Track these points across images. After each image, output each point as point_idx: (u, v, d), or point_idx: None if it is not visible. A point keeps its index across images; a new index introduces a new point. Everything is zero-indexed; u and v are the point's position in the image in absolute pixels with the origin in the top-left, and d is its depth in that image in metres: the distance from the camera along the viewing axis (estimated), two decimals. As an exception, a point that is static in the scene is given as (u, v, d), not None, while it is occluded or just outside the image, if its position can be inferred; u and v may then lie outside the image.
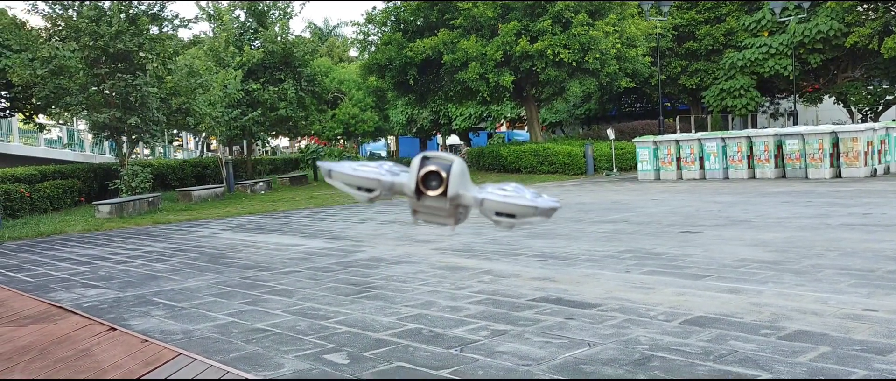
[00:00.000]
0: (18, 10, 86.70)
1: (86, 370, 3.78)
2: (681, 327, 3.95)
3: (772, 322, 3.93)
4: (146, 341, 4.28)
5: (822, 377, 3.06)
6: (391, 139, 45.84)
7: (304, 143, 38.64)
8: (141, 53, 16.02)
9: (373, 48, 24.17)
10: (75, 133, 32.10)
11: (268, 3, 23.99)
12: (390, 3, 24.12)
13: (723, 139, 16.42)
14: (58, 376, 3.72)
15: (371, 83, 29.23)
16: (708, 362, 3.33)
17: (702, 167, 16.70)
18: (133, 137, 16.88)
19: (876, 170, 14.90)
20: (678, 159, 17.17)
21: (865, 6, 24.89)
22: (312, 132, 29.16)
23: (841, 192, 11.55)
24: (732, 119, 31.57)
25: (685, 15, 28.07)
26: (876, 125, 15.24)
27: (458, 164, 1.16)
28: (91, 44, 15.44)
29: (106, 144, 28.22)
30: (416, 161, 1.17)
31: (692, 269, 5.62)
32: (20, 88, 17.25)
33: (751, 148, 15.94)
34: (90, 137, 24.29)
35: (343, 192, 1.23)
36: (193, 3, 23.18)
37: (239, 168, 24.47)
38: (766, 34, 26.86)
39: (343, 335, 4.19)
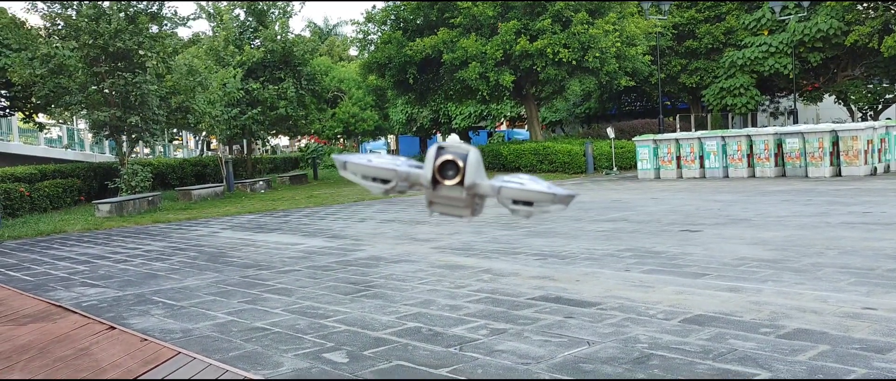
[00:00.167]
0: (18, 10, 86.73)
1: (85, 368, 3.78)
2: (680, 325, 3.95)
3: (771, 321, 3.93)
4: (145, 340, 4.28)
5: (822, 376, 3.06)
6: (391, 138, 45.83)
7: (304, 142, 38.66)
8: (141, 52, 16.01)
9: (372, 47, 24.16)
10: (75, 132, 32.09)
11: (267, 2, 23.98)
12: (390, 2, 24.10)
13: (723, 138, 16.42)
14: (57, 375, 3.72)
15: (371, 82, 29.20)
16: (707, 360, 3.33)
17: (702, 166, 16.70)
18: (133, 136, 16.88)
19: (876, 168, 14.89)
20: (678, 158, 17.16)
21: (865, 5, 24.88)
22: (312, 131, 29.16)
23: (841, 190, 11.55)
24: (732, 118, 31.55)
25: (685, 13, 28.06)
26: (876, 124, 15.24)
27: (474, 153, 1.15)
28: (90, 42, 15.43)
29: (106, 143, 28.23)
30: (432, 151, 1.16)
31: (692, 268, 5.61)
32: (20, 87, 17.24)
33: (751, 147, 15.93)
34: (90, 136, 24.27)
35: (357, 185, 1.23)
36: (193, 1, 23.15)
37: (239, 167, 24.47)
38: (765, 33, 26.85)
39: (342, 333, 4.19)
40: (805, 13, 25.11)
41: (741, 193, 12.16)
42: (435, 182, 1.15)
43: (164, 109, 17.04)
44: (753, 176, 15.78)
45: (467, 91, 23.46)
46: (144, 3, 16.64)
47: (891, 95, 26.84)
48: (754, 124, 31.12)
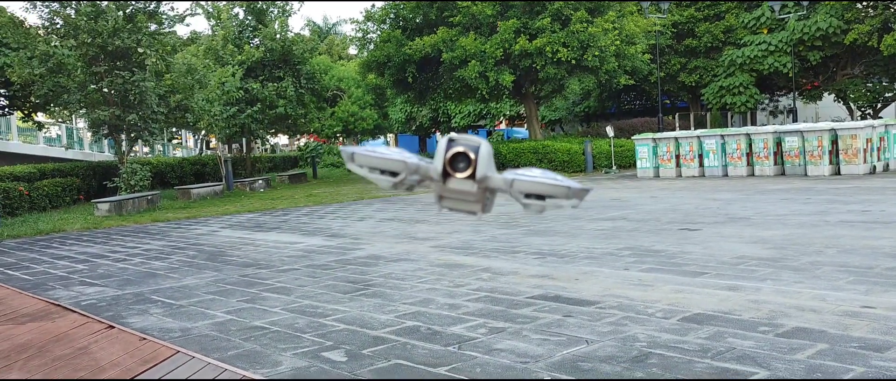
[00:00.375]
0: (16, 9, 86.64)
1: (84, 368, 3.78)
2: (679, 324, 3.95)
3: (770, 319, 3.93)
4: (144, 339, 4.28)
5: (820, 374, 3.06)
6: (390, 137, 45.83)
7: (303, 141, 38.63)
8: (140, 50, 16.01)
9: (372, 46, 24.15)
10: (74, 131, 32.07)
11: (267, 1, 23.97)
12: (389, 1, 24.09)
13: (722, 136, 16.42)
14: (56, 374, 3.72)
15: (370, 81, 29.21)
16: (706, 359, 3.33)
17: (701, 165, 16.70)
18: (132, 134, 16.87)
19: (875, 167, 14.90)
20: (677, 157, 17.17)
21: (864, 3, 24.88)
22: (312, 130, 29.15)
23: (840, 189, 11.55)
24: (732, 116, 31.57)
25: (684, 12, 28.06)
26: (875, 122, 15.24)
27: (485, 146, 1.12)
28: (89, 41, 15.42)
29: (105, 142, 28.23)
30: (442, 143, 1.13)
31: (691, 266, 5.62)
32: (19, 85, 17.24)
33: (750, 145, 15.94)
34: (89, 135, 24.27)
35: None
36: (191, 1, 23.14)
37: (238, 166, 24.47)
38: (765, 31, 26.85)
39: (341, 332, 4.19)
40: (804, 12, 25.11)
41: (740, 191, 12.16)
42: (445, 175, 1.12)
43: (164, 108, 17.04)
44: (752, 175, 15.78)
45: (466, 90, 23.46)
46: (143, 2, 16.64)
47: (890, 94, 26.85)
48: (753, 123, 31.14)
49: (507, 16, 21.69)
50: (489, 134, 40.71)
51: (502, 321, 4.24)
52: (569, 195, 1.10)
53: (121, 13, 15.87)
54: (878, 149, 15.06)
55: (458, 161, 1.12)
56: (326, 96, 28.16)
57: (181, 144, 49.00)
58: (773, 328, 3.75)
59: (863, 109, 27.70)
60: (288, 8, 24.37)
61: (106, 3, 15.95)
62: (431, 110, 34.92)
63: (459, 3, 21.53)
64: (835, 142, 14.82)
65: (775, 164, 15.59)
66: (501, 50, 21.09)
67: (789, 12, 25.44)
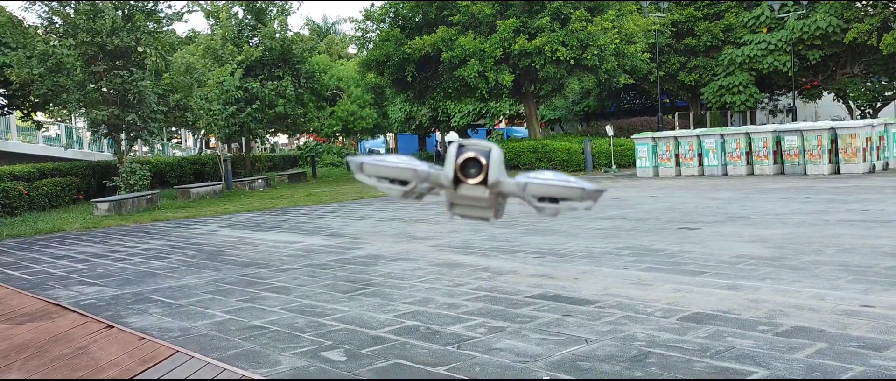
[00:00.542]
0: (15, 8, 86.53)
1: (83, 367, 3.78)
2: (678, 323, 3.95)
3: (769, 319, 3.93)
4: (143, 338, 4.28)
5: (819, 373, 3.06)
6: (390, 136, 45.81)
7: (302, 140, 38.62)
8: (140, 48, 16.01)
9: (371, 45, 24.14)
10: (73, 131, 32.06)
11: (266, 0, 23.95)
12: (389, 0, 24.08)
13: (721, 136, 16.42)
14: (55, 374, 3.71)
15: (369, 80, 29.18)
16: (705, 358, 3.33)
17: (700, 164, 16.70)
18: (131, 134, 16.86)
19: (874, 166, 14.90)
20: (677, 156, 17.17)
21: (864, 2, 24.88)
22: (311, 129, 29.13)
23: (839, 188, 11.55)
24: (731, 115, 31.56)
25: (684, 11, 28.04)
26: (874, 121, 15.24)
27: (496, 151, 1.10)
28: (88, 40, 15.41)
29: (104, 141, 28.21)
30: (452, 149, 1.11)
31: (690, 265, 5.62)
32: (18, 85, 17.23)
33: (749, 144, 15.94)
34: (88, 134, 24.26)
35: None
36: (190, 0, 23.16)
37: (237, 165, 24.46)
38: (764, 30, 26.84)
39: (340, 332, 4.19)
40: (804, 11, 25.11)
41: (740, 190, 12.16)
42: (457, 181, 1.10)
43: (163, 107, 17.03)
44: (752, 174, 15.78)
45: (466, 89, 23.45)
46: (141, 1, 16.63)
47: (889, 93, 26.85)
48: (753, 122, 31.13)
49: (506, 15, 21.69)
50: (489, 133, 40.70)
51: (501, 320, 4.24)
52: (583, 197, 1.08)
53: (119, 12, 15.86)
54: (878, 148, 15.06)
55: (469, 167, 1.10)
56: (326, 95, 28.15)
57: (180, 143, 48.92)
58: (772, 328, 3.75)
59: (862, 108, 27.69)
60: (287, 7, 24.36)
61: (103, 2, 15.95)
62: (431, 110, 34.90)
63: (459, 2, 21.52)
64: (834, 141, 14.82)
65: (775, 163, 15.59)
66: (501, 49, 21.09)
67: (789, 11, 25.43)
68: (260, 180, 20.75)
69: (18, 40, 15.61)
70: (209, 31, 24.36)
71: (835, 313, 3.96)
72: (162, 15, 17.05)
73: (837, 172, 14.72)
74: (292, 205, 14.80)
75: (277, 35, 23.21)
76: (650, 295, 4.67)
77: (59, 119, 29.19)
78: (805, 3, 24.49)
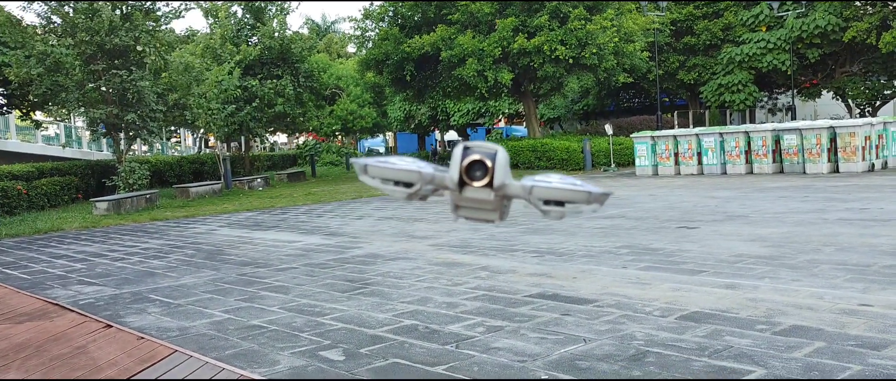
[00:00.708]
0: (14, 8, 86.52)
1: (81, 367, 3.78)
2: (676, 322, 3.95)
3: (767, 318, 3.93)
4: (142, 338, 4.28)
5: (817, 373, 3.06)
6: (389, 135, 45.81)
7: (302, 139, 38.61)
8: (138, 47, 16.00)
9: (370, 44, 24.15)
10: (72, 130, 32.04)
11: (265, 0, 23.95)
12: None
13: (721, 134, 16.42)
14: (53, 373, 3.71)
15: (368, 79, 29.19)
16: (703, 357, 3.33)
17: (699, 162, 16.71)
18: (130, 133, 16.86)
19: (873, 165, 14.91)
20: (676, 155, 17.17)
21: (863, 1, 24.89)
22: (310, 128, 29.13)
23: (838, 187, 11.56)
24: (730, 114, 31.57)
25: (683, 10, 28.05)
26: (873, 120, 15.24)
27: (502, 153, 1.10)
28: (87, 39, 15.40)
29: (103, 140, 28.20)
30: (457, 151, 1.10)
31: (688, 264, 5.62)
32: (17, 84, 17.23)
33: (748, 143, 15.95)
34: (87, 133, 24.27)
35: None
36: (189, 0, 23.16)
37: (236, 165, 24.45)
38: (764, 29, 26.85)
39: (339, 331, 4.19)
40: (803, 9, 25.12)
41: (739, 189, 12.17)
42: (462, 184, 1.10)
43: (162, 106, 17.03)
44: (751, 172, 15.79)
45: (465, 88, 23.46)
46: (139, 0, 16.62)
47: (889, 92, 26.87)
48: (752, 121, 31.15)
49: (505, 14, 21.69)
50: (488, 132, 40.71)
51: (500, 319, 4.24)
52: (589, 200, 1.09)
53: (117, 12, 15.85)
54: (877, 147, 15.07)
55: (474, 169, 1.09)
56: (325, 94, 28.15)
57: (180, 143, 48.85)
58: (770, 327, 3.75)
59: (861, 106, 27.72)
60: (286, 6, 24.36)
61: (102, 1, 15.94)
62: (430, 109, 34.91)
63: (458, 1, 21.53)
64: (833, 140, 14.83)
65: (774, 162, 15.59)
66: (500, 48, 21.09)
67: (788, 10, 25.43)
68: (259, 180, 20.75)
69: (17, 40, 15.61)
70: (208, 31, 24.34)
71: (833, 312, 3.96)
72: (160, 14, 17.04)
73: (836, 170, 14.73)
74: (291, 204, 14.80)
75: (276, 34, 23.20)
76: (649, 294, 4.67)
77: (58, 118, 29.16)
78: (804, 1, 24.50)
